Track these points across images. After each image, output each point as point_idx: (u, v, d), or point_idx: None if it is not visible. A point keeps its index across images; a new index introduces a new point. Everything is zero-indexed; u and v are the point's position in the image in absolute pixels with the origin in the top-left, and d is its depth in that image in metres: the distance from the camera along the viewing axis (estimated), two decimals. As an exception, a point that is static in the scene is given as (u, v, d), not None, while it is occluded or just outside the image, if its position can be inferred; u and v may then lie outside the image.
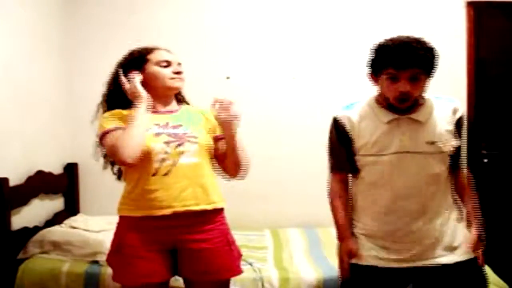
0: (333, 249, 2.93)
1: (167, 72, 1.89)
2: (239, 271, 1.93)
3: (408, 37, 1.69)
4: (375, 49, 1.75)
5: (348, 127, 1.83)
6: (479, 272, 1.80)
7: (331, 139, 1.93)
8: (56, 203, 3.32)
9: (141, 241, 1.81)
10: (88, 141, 3.49)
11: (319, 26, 3.53)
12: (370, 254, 1.81)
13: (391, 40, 1.71)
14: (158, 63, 1.90)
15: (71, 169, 3.44)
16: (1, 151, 2.70)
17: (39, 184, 3.01)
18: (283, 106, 3.53)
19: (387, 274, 1.79)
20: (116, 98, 1.94)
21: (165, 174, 1.80)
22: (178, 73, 1.92)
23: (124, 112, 1.89)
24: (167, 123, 1.88)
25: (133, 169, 1.82)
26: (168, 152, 1.80)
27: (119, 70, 1.94)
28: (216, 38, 3.46)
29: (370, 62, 1.77)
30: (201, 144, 1.86)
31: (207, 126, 1.95)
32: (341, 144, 1.87)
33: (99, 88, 3.47)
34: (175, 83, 1.92)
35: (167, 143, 1.81)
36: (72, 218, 3.14)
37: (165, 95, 1.94)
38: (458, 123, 1.79)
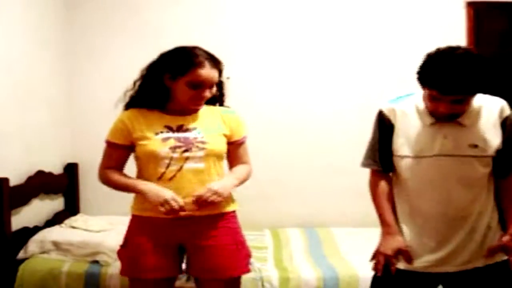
0: (333, 249, 2.96)
1: (190, 94, 1.84)
2: (245, 270, 1.94)
3: (461, 60, 1.55)
4: (425, 62, 1.63)
5: (392, 119, 1.78)
6: (508, 274, 1.75)
7: (373, 134, 1.86)
8: (56, 203, 3.32)
9: (148, 237, 1.86)
10: (88, 141, 3.52)
11: (320, 26, 3.53)
12: (401, 259, 1.78)
13: (442, 59, 1.58)
14: (188, 83, 1.83)
15: (71, 169, 3.44)
16: (1, 151, 2.70)
17: (39, 184, 3.02)
18: (284, 106, 3.53)
19: (418, 276, 1.76)
20: (144, 96, 1.92)
21: (171, 179, 1.82)
22: (201, 97, 1.85)
23: (127, 124, 1.89)
24: (180, 126, 1.87)
25: (141, 171, 1.89)
26: (174, 158, 1.82)
27: (155, 70, 1.91)
28: (217, 38, 3.46)
29: (418, 72, 1.65)
30: (209, 149, 1.85)
31: (223, 130, 1.93)
32: (382, 141, 1.82)
33: (100, 88, 3.52)
34: (191, 106, 1.88)
35: (173, 148, 1.82)
36: (72, 218, 3.13)
37: None
38: (504, 124, 1.71)
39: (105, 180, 1.93)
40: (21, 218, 2.83)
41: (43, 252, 2.70)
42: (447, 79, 1.55)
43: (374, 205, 1.87)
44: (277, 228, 3.38)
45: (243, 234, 1.97)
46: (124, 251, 1.92)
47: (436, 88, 1.59)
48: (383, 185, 1.85)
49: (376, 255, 1.84)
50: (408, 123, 1.76)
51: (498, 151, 1.71)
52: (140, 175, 1.90)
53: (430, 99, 1.66)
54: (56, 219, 3.13)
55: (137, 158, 1.92)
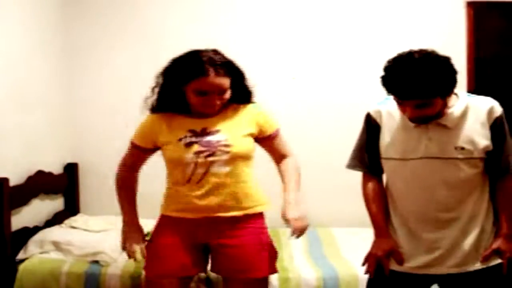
0: (333, 249, 2.96)
1: (198, 101, 1.84)
2: (271, 271, 1.95)
3: (416, 64, 1.55)
4: (384, 68, 1.63)
5: (378, 120, 1.80)
6: (503, 278, 1.74)
7: (360, 136, 1.89)
8: (56, 203, 3.32)
9: (172, 234, 1.90)
10: (88, 141, 3.52)
11: (319, 25, 3.53)
12: (393, 260, 1.79)
13: (398, 65, 1.58)
14: (194, 91, 1.83)
15: (71, 169, 3.44)
16: (1, 151, 2.70)
17: (39, 184, 3.01)
18: (283, 106, 3.52)
19: (412, 277, 1.76)
20: (166, 102, 1.92)
21: (198, 182, 1.84)
22: (211, 104, 1.84)
23: (152, 129, 1.93)
24: (204, 129, 1.87)
25: (170, 175, 1.93)
26: (199, 162, 1.83)
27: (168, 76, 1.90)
28: (218, 39, 3.45)
29: (380, 78, 1.65)
30: (234, 152, 1.85)
31: (249, 130, 1.92)
32: (369, 142, 1.83)
33: (99, 88, 3.51)
34: (205, 112, 1.88)
35: (197, 153, 1.83)
36: (72, 218, 3.14)
37: None
38: (495, 125, 1.69)
39: (116, 184, 2.03)
40: (21, 218, 2.83)
41: (43, 252, 2.70)
42: (402, 84, 1.56)
43: (365, 204, 1.89)
44: (277, 228, 3.37)
45: (269, 235, 1.99)
46: (149, 248, 1.94)
47: (395, 93, 1.61)
48: (371, 186, 1.87)
49: (367, 258, 1.86)
50: (394, 124, 1.76)
51: (488, 152, 1.69)
52: (170, 178, 1.94)
53: (397, 104, 1.67)
54: (56, 219, 3.13)
55: (165, 162, 1.95)
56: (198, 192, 1.84)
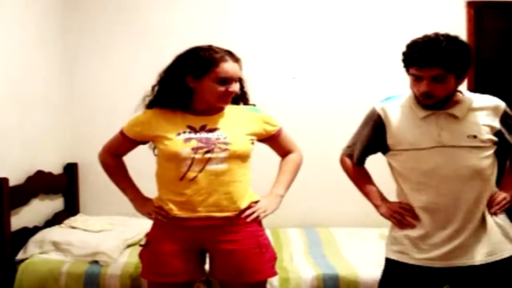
0: (333, 249, 2.96)
1: (219, 91, 1.82)
2: (271, 274, 1.93)
3: (440, 38, 1.64)
4: (407, 46, 1.71)
5: (383, 117, 1.81)
6: None
7: (361, 125, 1.92)
8: (56, 203, 3.32)
9: (169, 239, 1.87)
10: (88, 141, 3.52)
11: (319, 25, 3.53)
12: (409, 252, 1.78)
13: (423, 38, 1.67)
14: (216, 80, 1.81)
15: (71, 169, 3.44)
16: (1, 151, 2.70)
17: (39, 184, 3.01)
18: (283, 106, 3.52)
19: (424, 272, 1.76)
20: (166, 99, 1.90)
21: (192, 179, 1.81)
22: (230, 93, 1.84)
23: (148, 122, 1.91)
24: (203, 126, 1.86)
25: (163, 171, 1.89)
26: (196, 159, 1.80)
27: (176, 70, 1.88)
28: (217, 39, 3.44)
29: (402, 57, 1.72)
30: (232, 151, 1.83)
31: (250, 130, 1.91)
32: (369, 134, 1.87)
33: (99, 88, 3.51)
34: (221, 104, 1.87)
35: (195, 149, 1.81)
36: (72, 218, 3.13)
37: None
38: (504, 117, 1.76)
39: (105, 164, 2.03)
40: (20, 218, 2.83)
41: (43, 253, 2.70)
42: (422, 50, 1.62)
43: (353, 182, 1.98)
44: (277, 228, 3.37)
45: (267, 237, 1.97)
46: (145, 252, 1.92)
47: (416, 61, 1.65)
48: (361, 168, 1.97)
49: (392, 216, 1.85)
50: (402, 118, 1.78)
51: (501, 142, 1.74)
52: (161, 174, 1.91)
53: (413, 80, 1.71)
54: (55, 219, 3.13)
55: (158, 157, 1.92)
56: (191, 190, 1.81)
